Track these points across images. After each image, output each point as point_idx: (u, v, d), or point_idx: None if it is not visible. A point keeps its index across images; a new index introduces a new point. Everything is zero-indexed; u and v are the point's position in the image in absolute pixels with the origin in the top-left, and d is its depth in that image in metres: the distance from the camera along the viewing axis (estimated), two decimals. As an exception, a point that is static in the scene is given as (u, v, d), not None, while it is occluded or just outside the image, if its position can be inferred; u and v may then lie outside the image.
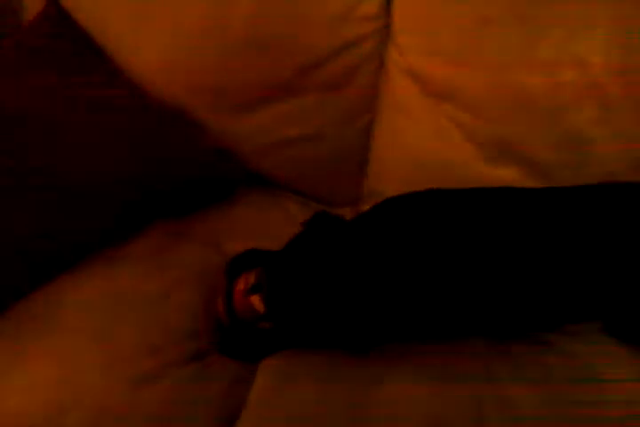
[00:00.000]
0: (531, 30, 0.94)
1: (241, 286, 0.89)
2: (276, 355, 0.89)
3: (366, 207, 0.90)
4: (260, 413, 0.81)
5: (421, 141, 1.05)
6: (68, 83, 0.98)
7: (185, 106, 1.05)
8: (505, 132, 0.99)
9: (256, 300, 0.86)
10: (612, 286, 0.85)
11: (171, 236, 1.01)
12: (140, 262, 0.97)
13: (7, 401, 0.79)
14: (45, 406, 0.78)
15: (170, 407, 0.81)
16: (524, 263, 0.83)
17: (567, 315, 0.89)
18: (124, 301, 0.90)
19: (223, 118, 1.07)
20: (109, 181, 0.95)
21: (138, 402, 0.80)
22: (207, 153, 1.05)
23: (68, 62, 1.01)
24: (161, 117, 1.03)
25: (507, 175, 1.01)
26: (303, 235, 0.88)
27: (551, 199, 0.90)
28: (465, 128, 1.01)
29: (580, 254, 0.83)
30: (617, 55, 0.90)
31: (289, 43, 1.02)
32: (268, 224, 1.07)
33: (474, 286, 0.83)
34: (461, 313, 0.85)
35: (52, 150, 0.94)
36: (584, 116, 0.94)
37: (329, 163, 1.11)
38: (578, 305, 0.87)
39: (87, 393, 0.80)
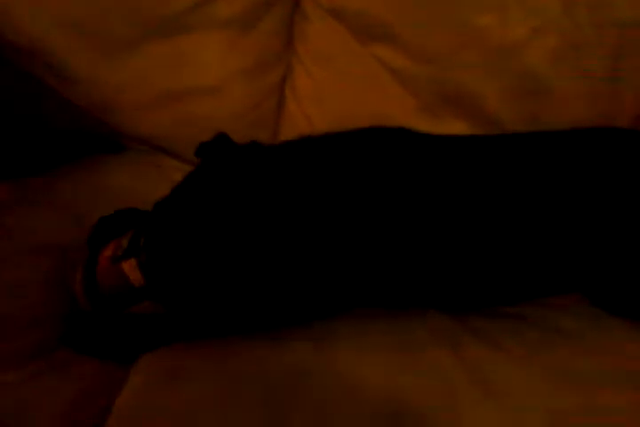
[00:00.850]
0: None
1: (109, 252, 0.65)
2: (160, 350, 0.64)
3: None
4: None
5: (348, 94, 0.90)
6: None
7: (46, 46, 0.84)
8: (448, 76, 0.85)
9: (129, 266, 0.63)
10: (588, 249, 0.70)
11: (8, 200, 0.75)
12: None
13: None
14: None
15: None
16: (478, 220, 0.68)
17: (536, 284, 0.73)
18: None
19: (94, 62, 0.86)
20: None
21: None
22: (58, 102, 0.86)
23: None
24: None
25: (453, 129, 0.87)
26: (198, 170, 0.66)
27: (512, 146, 0.77)
28: (401, 74, 0.87)
29: (542, 211, 0.70)
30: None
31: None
32: (144, 191, 0.81)
33: (424, 246, 0.67)
34: (407, 280, 0.66)
35: None
36: (541, 55, 0.82)
37: (230, 124, 0.89)
38: (548, 273, 0.72)
39: None
